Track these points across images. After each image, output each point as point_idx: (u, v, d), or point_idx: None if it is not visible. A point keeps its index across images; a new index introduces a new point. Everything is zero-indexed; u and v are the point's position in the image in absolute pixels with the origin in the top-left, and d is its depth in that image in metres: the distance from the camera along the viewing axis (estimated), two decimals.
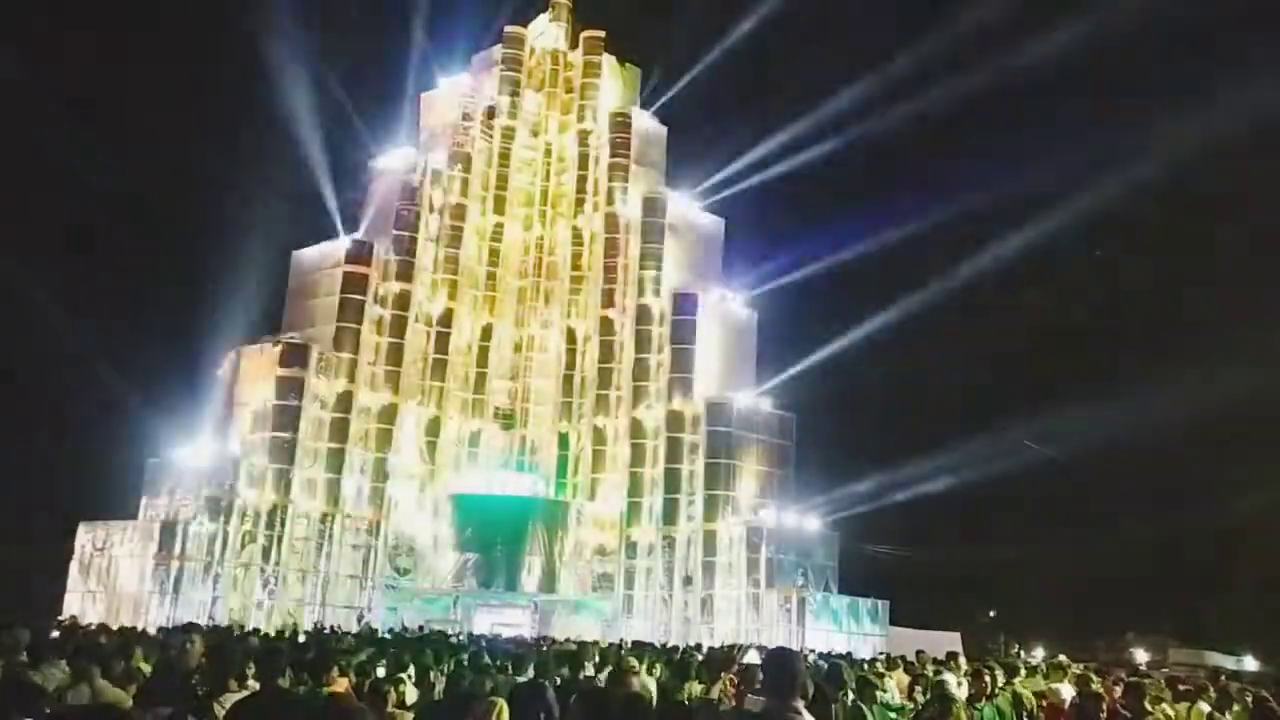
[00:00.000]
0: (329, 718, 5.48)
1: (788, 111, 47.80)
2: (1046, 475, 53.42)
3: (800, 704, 5.34)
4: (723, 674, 12.17)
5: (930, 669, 16.66)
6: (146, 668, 10.91)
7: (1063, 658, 27.73)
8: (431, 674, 13.26)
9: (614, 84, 52.14)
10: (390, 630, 31.21)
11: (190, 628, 21.94)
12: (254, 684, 7.40)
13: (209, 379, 43.01)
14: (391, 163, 47.54)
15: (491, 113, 49.96)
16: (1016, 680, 13.53)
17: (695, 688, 12.05)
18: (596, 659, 15.23)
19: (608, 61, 51.97)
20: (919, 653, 19.67)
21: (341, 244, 44.21)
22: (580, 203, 49.28)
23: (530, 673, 11.03)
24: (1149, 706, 10.98)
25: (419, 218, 45.78)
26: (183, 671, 9.89)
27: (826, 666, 11.80)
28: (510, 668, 12.31)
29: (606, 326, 46.20)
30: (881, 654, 27.07)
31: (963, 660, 17.56)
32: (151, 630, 24.31)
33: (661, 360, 44.01)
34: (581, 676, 10.88)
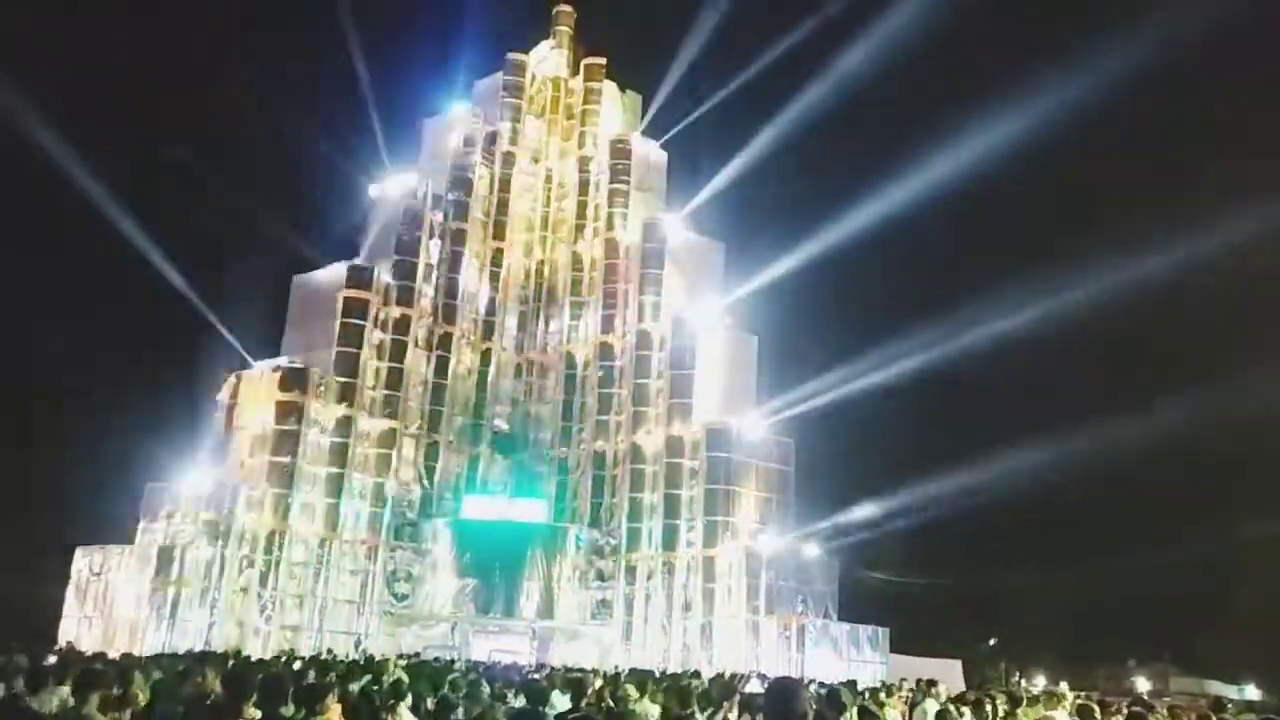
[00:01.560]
0: None
1: (788, 138, 47.98)
2: (1048, 502, 53.34)
3: None
4: (725, 703, 12.12)
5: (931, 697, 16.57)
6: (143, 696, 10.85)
7: (1063, 686, 27.59)
8: (429, 701, 13.21)
9: (614, 110, 52.50)
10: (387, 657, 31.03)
11: (206, 657, 21.82)
12: (255, 712, 7.36)
13: (208, 403, 43.00)
14: (393, 188, 47.71)
15: (493, 138, 50.21)
16: (1019, 709, 13.45)
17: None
18: (597, 686, 15.15)
19: (608, 88, 52.36)
20: (918, 681, 19.58)
21: (342, 268, 44.26)
22: (580, 228, 49.47)
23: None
24: None
25: (420, 243, 45.88)
26: (184, 699, 9.85)
27: (826, 691, 11.74)
28: (508, 695, 12.28)
29: (606, 351, 46.26)
30: (881, 681, 26.95)
31: (942, 688, 17.38)
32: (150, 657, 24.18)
33: (661, 385, 43.98)
34: (584, 706, 10.83)
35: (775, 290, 46.80)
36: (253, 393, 41.53)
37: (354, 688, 11.82)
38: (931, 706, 15.23)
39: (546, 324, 49.82)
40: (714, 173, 48.07)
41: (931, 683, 17.85)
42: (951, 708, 13.96)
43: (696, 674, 25.77)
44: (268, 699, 6.86)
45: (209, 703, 8.99)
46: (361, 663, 23.13)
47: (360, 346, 42.73)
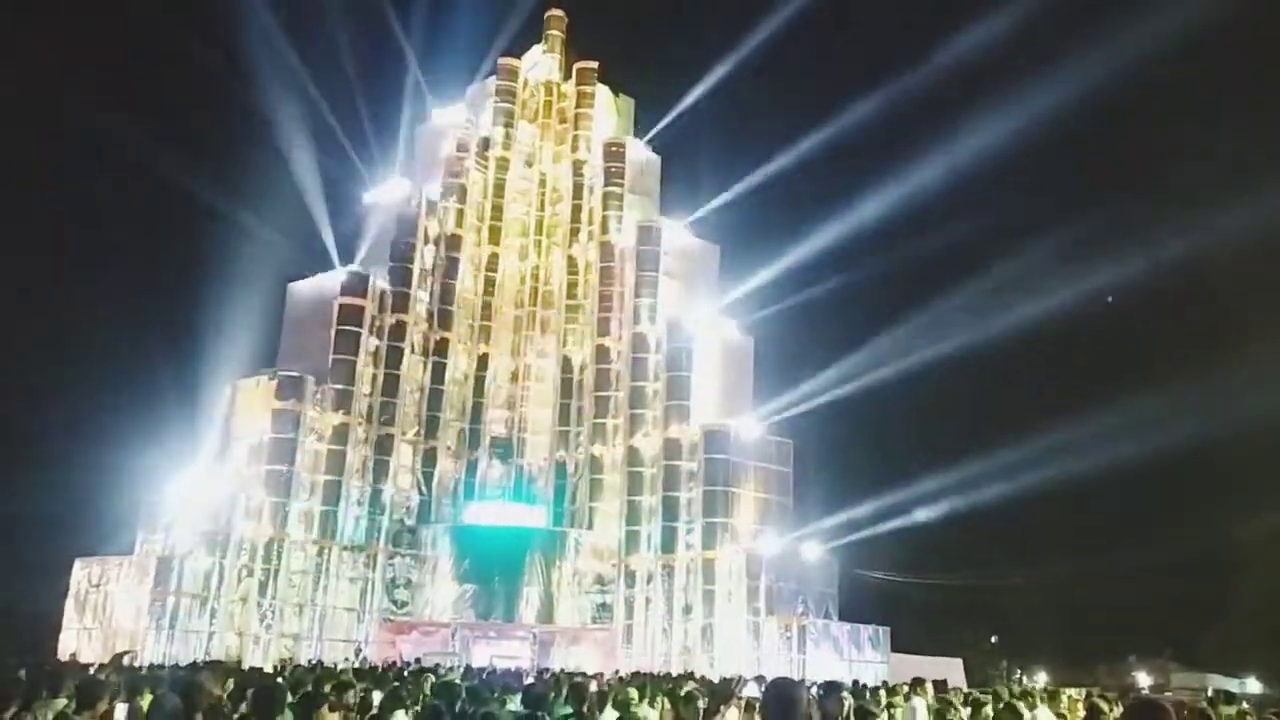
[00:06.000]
0: None
1: (782, 137, 48.14)
2: (1047, 499, 53.25)
3: None
4: (721, 707, 12.07)
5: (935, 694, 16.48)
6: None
7: (1045, 681, 27.38)
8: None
9: (608, 114, 52.44)
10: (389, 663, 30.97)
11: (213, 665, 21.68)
12: None
13: (205, 413, 42.86)
14: (387, 194, 47.65)
15: (486, 144, 50.16)
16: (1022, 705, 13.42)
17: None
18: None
19: (601, 92, 52.30)
20: (915, 679, 19.45)
21: (337, 276, 44.20)
22: (575, 232, 49.42)
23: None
24: None
25: (414, 249, 45.81)
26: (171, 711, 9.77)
27: (825, 682, 11.68)
28: (507, 699, 12.23)
29: (603, 354, 46.19)
30: (883, 681, 26.88)
31: (929, 686, 17.19)
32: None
33: (658, 388, 43.93)
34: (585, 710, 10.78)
35: (772, 291, 46.81)
36: (249, 402, 41.45)
37: (350, 699, 11.72)
38: (920, 704, 15.21)
39: (543, 328, 49.75)
40: (709, 175, 48.25)
41: (919, 681, 17.56)
42: (920, 702, 14.03)
43: (690, 675, 25.71)
44: (261, 710, 6.82)
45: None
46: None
47: (356, 353, 42.64)
